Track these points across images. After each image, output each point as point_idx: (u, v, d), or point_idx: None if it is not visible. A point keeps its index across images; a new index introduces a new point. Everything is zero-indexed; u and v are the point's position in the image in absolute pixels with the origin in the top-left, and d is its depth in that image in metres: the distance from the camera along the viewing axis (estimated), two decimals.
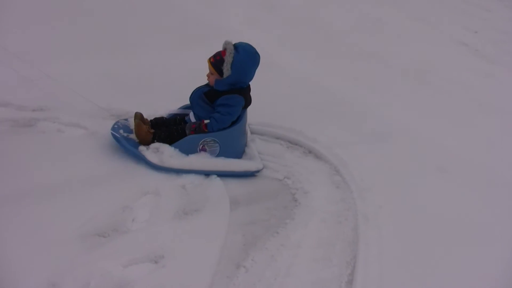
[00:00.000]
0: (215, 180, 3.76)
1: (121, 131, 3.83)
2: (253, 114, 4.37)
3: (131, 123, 3.91)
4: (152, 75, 4.79)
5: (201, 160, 3.77)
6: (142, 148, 3.73)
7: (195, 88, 3.97)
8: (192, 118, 3.91)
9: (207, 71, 3.82)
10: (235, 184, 3.78)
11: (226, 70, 3.69)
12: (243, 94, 3.84)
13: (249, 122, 4.21)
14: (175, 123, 4.00)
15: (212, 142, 3.81)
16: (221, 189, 3.67)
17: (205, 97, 3.84)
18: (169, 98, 4.35)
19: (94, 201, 3.33)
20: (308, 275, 3.02)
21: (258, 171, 3.89)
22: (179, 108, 4.13)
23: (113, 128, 3.80)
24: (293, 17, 7.30)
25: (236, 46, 3.71)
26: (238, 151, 3.99)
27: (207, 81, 3.90)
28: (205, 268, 2.93)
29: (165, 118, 4.03)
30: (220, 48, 3.76)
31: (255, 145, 4.17)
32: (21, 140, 3.97)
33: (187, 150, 3.77)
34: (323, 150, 4.22)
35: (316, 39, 6.68)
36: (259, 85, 4.12)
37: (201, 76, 3.93)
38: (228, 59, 3.67)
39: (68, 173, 3.51)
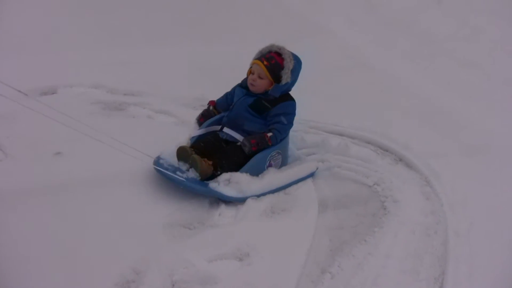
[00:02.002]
0: (306, 181, 3.74)
1: (169, 167, 3.41)
2: (344, 116, 4.31)
3: (171, 160, 3.45)
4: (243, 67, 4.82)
5: (275, 177, 3.61)
6: (213, 185, 3.36)
7: (217, 99, 3.92)
8: (234, 134, 3.65)
9: (250, 75, 3.69)
10: (324, 187, 3.75)
11: (287, 76, 3.60)
12: (294, 98, 3.76)
13: (341, 124, 4.16)
14: (216, 145, 3.63)
15: (277, 154, 3.70)
16: (311, 191, 3.65)
17: (251, 109, 3.68)
18: None
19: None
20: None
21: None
22: (199, 129, 3.79)
23: (165, 169, 3.37)
24: (392, 19, 7.14)
25: (291, 53, 3.65)
26: (287, 156, 3.91)
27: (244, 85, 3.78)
28: (291, 269, 2.89)
29: (202, 144, 3.60)
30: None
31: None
32: (111, 123, 4.07)
33: (257, 171, 3.59)
34: (414, 159, 4.11)
35: (414, 44, 6.51)
36: (352, 87, 4.07)
37: None
38: (289, 65, 3.60)
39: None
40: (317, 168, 3.85)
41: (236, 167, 3.50)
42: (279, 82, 3.62)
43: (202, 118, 3.88)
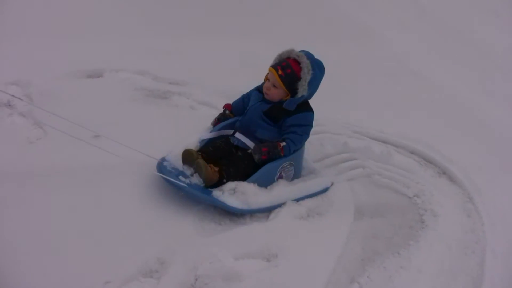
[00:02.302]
0: (343, 185, 3.65)
1: (172, 170, 3.21)
2: (390, 124, 4.21)
3: (176, 164, 3.25)
4: None
5: (285, 190, 3.35)
6: (217, 194, 3.12)
7: (233, 102, 3.72)
8: (246, 140, 3.42)
9: (266, 82, 3.42)
10: (362, 193, 3.66)
11: (303, 89, 3.30)
12: (312, 108, 3.49)
13: (386, 131, 4.06)
14: (226, 151, 3.42)
15: (289, 166, 3.44)
16: (348, 196, 3.55)
17: (266, 117, 3.42)
18: None
19: None
20: None
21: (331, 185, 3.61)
22: (211, 132, 3.56)
23: (166, 172, 3.15)
24: (445, 27, 6.96)
25: (309, 60, 3.31)
26: (301, 168, 3.66)
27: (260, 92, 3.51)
28: (318, 275, 2.81)
29: (211, 148, 3.39)
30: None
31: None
32: (152, 110, 4.08)
33: (266, 182, 3.34)
34: (458, 173, 3.98)
35: (467, 54, 6.32)
36: (399, 94, 3.96)
37: (338, 73, 3.74)
38: (306, 76, 3.29)
39: None
40: (332, 184, 3.60)
41: (244, 176, 3.25)
42: (295, 94, 3.34)
43: (216, 120, 3.68)
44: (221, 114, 3.71)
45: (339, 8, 6.51)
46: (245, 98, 3.69)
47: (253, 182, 3.23)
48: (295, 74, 3.30)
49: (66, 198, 3.00)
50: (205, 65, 4.89)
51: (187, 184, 3.10)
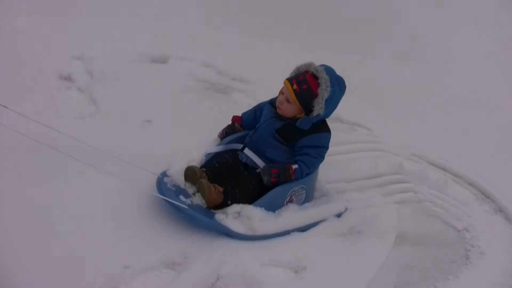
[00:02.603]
0: (390, 206, 3.51)
1: (173, 188, 2.97)
2: (452, 151, 4.03)
3: (178, 180, 3.02)
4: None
5: (294, 216, 3.11)
6: (220, 217, 2.88)
7: (243, 114, 3.47)
8: (255, 158, 3.18)
9: (280, 95, 3.18)
10: (408, 219, 3.49)
11: (320, 107, 3.03)
12: (329, 128, 3.24)
13: (446, 158, 3.88)
14: (233, 168, 3.19)
15: (300, 189, 3.18)
16: (392, 219, 3.40)
17: (278, 135, 3.17)
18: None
19: None
20: None
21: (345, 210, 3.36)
22: (218, 145, 3.33)
23: (165, 192, 2.90)
24: None
25: (329, 76, 3.04)
26: (313, 191, 3.41)
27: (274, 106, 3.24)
28: None
29: (217, 165, 3.16)
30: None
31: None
32: (209, 104, 4.10)
33: (274, 206, 3.10)
34: None
35: None
36: (467, 123, 3.77)
37: (403, 93, 3.58)
38: (324, 94, 3.01)
39: None
40: (345, 209, 3.35)
41: (250, 198, 3.02)
42: (310, 112, 3.08)
43: (223, 133, 3.42)
44: (229, 126, 3.45)
45: (415, 26, 6.27)
46: (257, 111, 3.44)
47: (260, 206, 3.01)
48: (311, 91, 3.04)
49: (102, 179, 2.97)
50: (271, 65, 4.81)
51: (188, 205, 2.85)
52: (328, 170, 3.58)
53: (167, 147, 3.34)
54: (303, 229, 3.09)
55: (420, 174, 3.94)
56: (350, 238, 3.17)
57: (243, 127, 3.44)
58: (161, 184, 2.93)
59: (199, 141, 3.26)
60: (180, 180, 3.00)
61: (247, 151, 3.21)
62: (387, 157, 4.05)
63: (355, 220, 3.31)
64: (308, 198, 3.28)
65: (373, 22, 6.09)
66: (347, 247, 3.06)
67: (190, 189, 2.98)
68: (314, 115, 3.04)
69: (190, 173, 2.98)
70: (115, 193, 2.97)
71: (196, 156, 3.20)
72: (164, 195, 2.83)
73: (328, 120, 3.28)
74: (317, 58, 4.51)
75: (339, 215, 3.29)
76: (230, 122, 3.47)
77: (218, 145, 3.32)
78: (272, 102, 3.30)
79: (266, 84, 4.48)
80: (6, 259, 2.48)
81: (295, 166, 3.07)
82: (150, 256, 2.64)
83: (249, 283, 2.60)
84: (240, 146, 3.29)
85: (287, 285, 2.67)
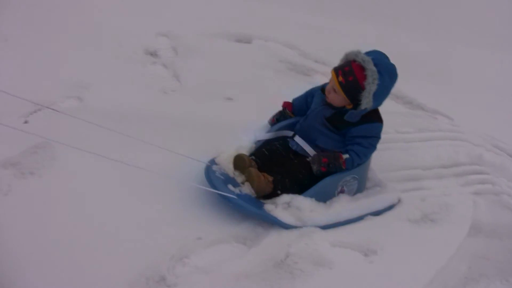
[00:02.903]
0: (466, 197, 3.47)
1: (222, 176, 2.91)
2: None
3: (227, 168, 2.97)
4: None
5: (345, 208, 3.02)
6: (269, 208, 2.82)
7: (294, 100, 3.37)
8: (305, 146, 3.10)
9: (330, 83, 3.05)
10: (484, 210, 3.43)
11: (367, 102, 2.90)
12: (381, 118, 3.12)
13: None
14: (282, 156, 3.12)
15: (352, 179, 3.10)
16: (468, 209, 3.35)
17: (328, 123, 3.08)
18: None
19: None
20: None
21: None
22: (268, 132, 3.27)
23: (214, 181, 2.84)
24: None
25: (377, 67, 2.87)
26: (365, 182, 3.32)
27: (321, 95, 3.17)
28: (413, 283, 2.67)
29: (267, 152, 3.10)
30: None
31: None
32: (290, 84, 4.13)
33: (325, 196, 3.02)
34: None
35: None
36: None
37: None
38: (371, 87, 2.87)
39: None
40: (398, 200, 3.25)
41: (300, 188, 2.95)
42: (357, 105, 2.96)
43: (274, 120, 3.37)
44: (279, 113, 3.39)
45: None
46: (308, 97, 3.33)
47: (311, 196, 2.92)
48: (357, 83, 2.89)
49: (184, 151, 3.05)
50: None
51: (237, 194, 2.79)
52: (405, 157, 3.55)
53: (246, 124, 3.39)
54: (354, 220, 3.01)
55: (500, 166, 3.89)
56: (423, 225, 3.14)
57: (294, 113, 3.36)
58: (210, 172, 2.88)
59: (249, 127, 3.25)
60: (228, 168, 2.96)
61: (297, 138, 3.13)
62: (467, 147, 4.00)
63: (429, 208, 3.28)
64: (360, 188, 3.20)
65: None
66: (419, 234, 3.04)
67: (239, 177, 2.93)
68: (362, 108, 2.93)
69: (239, 161, 2.93)
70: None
71: (245, 143, 3.16)
72: (212, 184, 2.78)
73: (410, 107, 3.27)
74: (403, 41, 4.47)
75: (391, 207, 3.21)
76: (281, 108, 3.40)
77: (268, 132, 3.26)
78: (324, 89, 3.20)
79: None
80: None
81: (345, 156, 2.99)
82: (221, 230, 2.72)
83: (317, 262, 2.62)
84: (290, 133, 3.21)
85: (356, 267, 2.68)
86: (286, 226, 2.78)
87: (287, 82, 4.27)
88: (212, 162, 2.96)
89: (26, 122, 3.42)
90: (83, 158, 2.90)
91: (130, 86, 3.81)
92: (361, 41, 4.81)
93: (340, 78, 2.92)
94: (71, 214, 2.71)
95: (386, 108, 3.19)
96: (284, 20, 5.17)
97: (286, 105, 3.38)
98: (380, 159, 3.43)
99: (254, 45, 4.78)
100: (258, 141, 3.19)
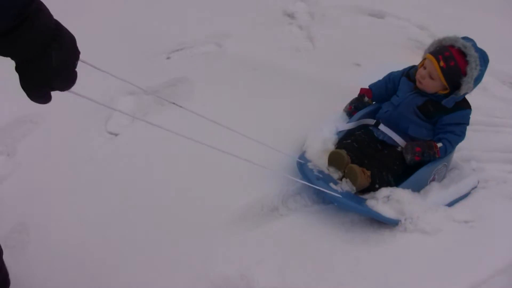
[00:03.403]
0: None
1: (319, 174, 2.83)
2: None
3: (320, 164, 2.92)
4: None
5: (439, 195, 2.97)
6: (372, 203, 2.78)
7: (371, 86, 3.28)
8: (393, 135, 3.03)
9: (421, 69, 2.98)
10: None
11: (468, 87, 2.85)
12: (470, 104, 3.04)
13: None
14: (371, 148, 3.03)
15: (443, 167, 3.07)
16: None
17: (420, 112, 3.00)
18: None
19: None
20: None
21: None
22: (349, 122, 3.17)
23: (313, 180, 2.76)
24: None
25: (478, 53, 2.81)
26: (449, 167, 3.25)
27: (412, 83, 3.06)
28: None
29: (356, 145, 3.00)
30: None
31: None
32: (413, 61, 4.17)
33: (419, 186, 2.99)
34: None
35: None
36: None
37: None
38: (473, 73, 2.80)
39: None
40: (478, 182, 3.16)
41: (397, 179, 2.91)
42: (457, 90, 2.90)
43: (351, 107, 3.26)
44: (356, 99, 3.29)
45: None
46: (388, 83, 3.26)
47: (407, 187, 2.88)
48: (459, 69, 2.84)
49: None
50: (485, 35, 4.84)
51: (340, 193, 2.74)
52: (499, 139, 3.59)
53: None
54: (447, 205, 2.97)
55: None
56: None
57: (373, 100, 3.30)
58: (307, 170, 2.83)
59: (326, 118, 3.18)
60: (320, 163, 2.92)
61: (382, 127, 3.08)
62: None
63: None
64: (445, 174, 3.18)
65: None
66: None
67: (335, 174, 2.88)
68: (462, 93, 2.89)
69: (337, 158, 2.87)
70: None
71: (328, 134, 3.06)
72: (312, 183, 2.72)
73: None
74: None
75: (472, 190, 3.13)
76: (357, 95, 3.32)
77: (349, 122, 3.18)
78: (409, 75, 3.16)
79: None
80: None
81: (439, 145, 2.93)
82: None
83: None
84: (372, 121, 3.15)
85: (456, 229, 2.78)
86: (389, 221, 2.76)
87: (412, 59, 4.36)
88: (303, 157, 2.93)
89: (168, 58, 3.76)
90: (217, 96, 3.22)
91: (265, 40, 4.10)
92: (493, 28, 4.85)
93: (442, 63, 2.84)
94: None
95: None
96: (418, 4, 5.24)
97: (365, 91, 3.30)
98: (475, 140, 3.47)
99: (386, 21, 4.88)
100: (340, 132, 3.11)
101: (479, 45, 2.87)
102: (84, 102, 2.90)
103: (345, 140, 3.03)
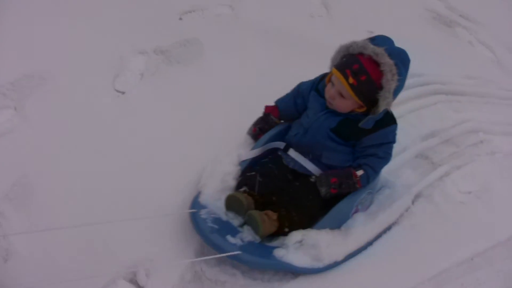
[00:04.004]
0: None
1: (215, 225, 2.33)
2: None
3: (216, 208, 2.40)
4: None
5: (364, 230, 2.52)
6: (280, 253, 2.31)
7: (278, 102, 2.76)
8: (306, 163, 2.53)
9: (329, 85, 2.46)
10: None
11: (386, 103, 2.32)
12: (394, 118, 2.55)
13: None
14: (280, 180, 2.52)
15: (367, 195, 2.59)
16: None
17: (334, 135, 2.48)
18: None
19: None
20: None
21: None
22: (253, 149, 2.64)
23: (208, 234, 2.28)
24: None
25: (393, 58, 2.28)
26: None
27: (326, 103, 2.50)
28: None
29: (261, 179, 2.48)
30: None
31: None
32: (430, 33, 4.26)
33: (339, 222, 2.51)
34: None
35: None
36: None
37: None
38: (390, 85, 2.28)
39: None
40: (412, 202, 2.78)
41: (311, 218, 2.43)
42: (374, 107, 2.39)
43: (256, 129, 2.72)
44: (261, 119, 2.74)
45: None
46: (297, 98, 2.69)
47: (324, 227, 2.42)
48: (373, 83, 2.30)
49: None
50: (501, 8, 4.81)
51: (240, 245, 2.27)
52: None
53: None
54: (374, 241, 2.57)
55: None
56: None
57: (281, 118, 2.76)
58: (200, 222, 2.32)
59: (229, 144, 2.73)
60: (217, 207, 2.40)
61: (292, 153, 2.59)
62: None
63: None
64: (372, 200, 2.71)
65: None
66: None
67: (235, 220, 2.39)
68: (380, 110, 2.35)
69: (235, 203, 2.38)
70: None
71: (229, 167, 2.56)
72: (207, 238, 2.28)
73: None
74: None
75: (406, 210, 2.76)
76: (262, 114, 2.78)
77: (254, 148, 2.66)
78: (318, 88, 2.60)
79: (493, 27, 4.50)
80: None
81: (360, 172, 2.45)
82: None
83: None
84: (282, 144, 2.64)
85: (463, 198, 2.82)
86: (304, 271, 2.34)
87: (428, 31, 4.33)
88: (197, 204, 2.40)
89: (180, 19, 3.74)
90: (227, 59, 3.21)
91: (280, 5, 4.06)
92: None
93: (351, 80, 2.30)
94: (210, 103, 3.05)
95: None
96: None
97: (269, 110, 2.76)
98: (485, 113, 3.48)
99: None
100: (243, 161, 2.60)
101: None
102: (93, 60, 2.97)
103: (249, 172, 2.54)
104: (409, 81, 3.23)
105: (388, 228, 2.63)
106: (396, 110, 3.07)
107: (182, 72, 3.27)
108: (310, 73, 2.68)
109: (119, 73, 3.19)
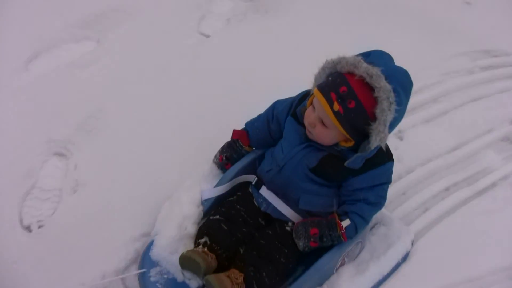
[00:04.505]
0: None
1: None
2: None
3: (170, 266, 2.00)
4: None
5: (351, 285, 2.12)
6: None
7: (248, 126, 2.31)
8: (280, 207, 2.09)
9: (309, 109, 1.99)
10: None
11: (380, 138, 1.81)
12: (391, 152, 2.09)
13: None
14: (250, 227, 2.11)
15: (355, 246, 2.18)
16: None
17: (315, 175, 2.05)
18: None
19: None
20: None
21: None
22: (216, 186, 2.20)
23: None
24: None
25: (391, 82, 1.76)
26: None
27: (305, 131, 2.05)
28: None
29: (225, 226, 2.05)
30: None
31: None
32: None
33: (321, 279, 2.12)
34: None
35: None
36: None
37: None
38: (387, 116, 1.77)
39: None
40: (412, 245, 2.37)
41: (284, 277, 2.03)
42: (363, 140, 1.91)
43: (222, 158, 2.31)
44: (228, 146, 2.33)
45: None
46: (271, 122, 2.24)
47: (303, 285, 2.02)
48: (364, 112, 1.81)
49: None
50: None
51: None
52: None
53: None
54: None
55: None
56: None
57: (252, 145, 2.34)
58: (148, 284, 1.98)
59: (193, 177, 2.31)
60: (172, 264, 2.02)
61: (265, 191, 2.15)
62: None
63: None
64: (363, 247, 2.32)
65: None
66: None
67: (193, 281, 1.99)
68: (372, 148, 1.87)
69: (190, 265, 1.95)
70: None
71: (189, 208, 2.14)
72: None
73: None
74: None
75: (405, 258, 2.34)
76: (230, 139, 2.38)
77: (219, 184, 2.23)
78: (295, 112, 2.15)
79: None
80: None
81: (346, 223, 2.01)
82: None
83: None
84: (252, 177, 2.22)
85: None
86: None
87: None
88: (148, 260, 2.04)
89: None
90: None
91: None
92: None
93: (336, 107, 1.81)
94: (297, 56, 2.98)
95: None
96: None
97: (238, 135, 2.32)
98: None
99: None
100: (206, 200, 2.21)
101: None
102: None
103: (213, 215, 2.13)
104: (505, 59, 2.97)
105: (382, 280, 2.22)
106: (485, 88, 2.85)
107: (270, 22, 3.17)
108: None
109: (206, 15, 3.13)
